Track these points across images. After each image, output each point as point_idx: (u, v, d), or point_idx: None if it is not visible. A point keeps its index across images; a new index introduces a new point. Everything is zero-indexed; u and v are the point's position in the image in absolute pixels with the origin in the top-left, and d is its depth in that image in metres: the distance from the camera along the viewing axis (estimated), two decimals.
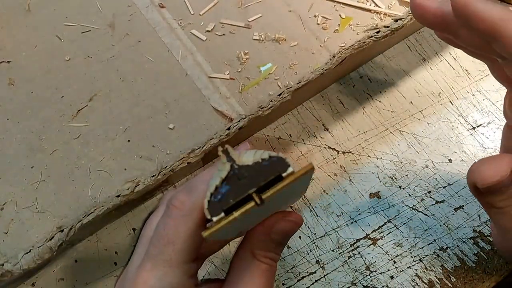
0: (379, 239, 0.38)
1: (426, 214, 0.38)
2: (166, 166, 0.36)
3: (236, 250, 0.28)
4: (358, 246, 0.37)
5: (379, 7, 0.44)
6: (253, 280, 0.26)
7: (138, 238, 0.32)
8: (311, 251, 0.37)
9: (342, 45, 0.43)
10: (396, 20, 0.39)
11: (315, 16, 0.44)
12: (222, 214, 0.20)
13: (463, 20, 0.22)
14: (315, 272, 0.37)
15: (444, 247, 0.37)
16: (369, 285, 0.36)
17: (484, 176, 0.21)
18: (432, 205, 0.39)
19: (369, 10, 0.44)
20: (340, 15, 0.44)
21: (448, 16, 0.24)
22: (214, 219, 0.20)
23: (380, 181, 0.39)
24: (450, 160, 0.40)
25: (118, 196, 0.34)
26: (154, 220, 0.32)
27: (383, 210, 0.38)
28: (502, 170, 0.21)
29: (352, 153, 0.40)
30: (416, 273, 0.37)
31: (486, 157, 0.22)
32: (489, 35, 0.22)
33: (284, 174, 0.20)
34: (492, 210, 0.23)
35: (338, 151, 0.40)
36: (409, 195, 0.39)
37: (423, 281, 0.36)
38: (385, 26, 0.39)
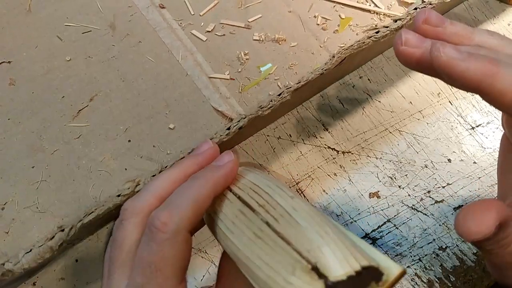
0: (378, 238, 0.38)
1: (425, 214, 0.38)
2: (167, 166, 0.36)
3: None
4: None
5: (378, 7, 0.44)
6: None
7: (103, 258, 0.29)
8: None
9: (342, 45, 0.43)
10: (395, 21, 0.39)
11: (315, 16, 0.44)
12: None
13: (447, 77, 0.21)
14: None
15: (444, 247, 0.37)
16: None
17: (469, 233, 0.20)
18: (432, 204, 0.39)
19: (368, 11, 0.44)
20: (339, 16, 0.44)
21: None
22: None
23: (380, 181, 0.39)
24: (449, 160, 0.40)
25: (118, 195, 0.34)
26: (122, 238, 0.27)
27: (382, 210, 0.39)
28: (487, 227, 0.20)
29: (352, 153, 0.40)
30: (416, 273, 0.37)
31: (472, 205, 0.21)
32: (475, 92, 0.21)
33: (380, 283, 0.19)
34: (482, 250, 0.22)
35: (337, 151, 0.41)
36: (409, 195, 0.39)
37: (422, 281, 0.36)
38: (384, 27, 0.39)
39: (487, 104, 0.43)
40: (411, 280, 0.36)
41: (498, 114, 0.42)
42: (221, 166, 0.27)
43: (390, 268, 0.20)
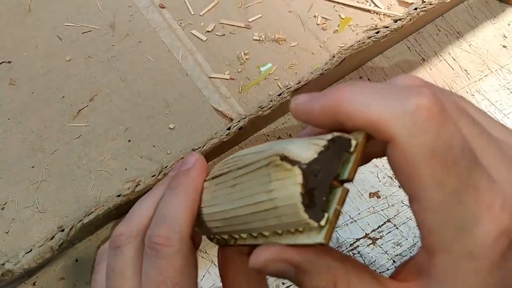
0: (378, 238, 0.38)
1: None
2: (167, 166, 0.36)
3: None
4: (358, 246, 0.37)
5: (378, 7, 0.44)
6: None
7: None
8: None
9: (342, 45, 0.43)
10: (395, 21, 0.39)
11: (315, 16, 0.44)
12: (326, 214, 0.18)
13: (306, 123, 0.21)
14: None
15: None
16: None
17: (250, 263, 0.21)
18: None
19: (368, 11, 0.44)
20: (339, 16, 0.44)
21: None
22: (323, 222, 0.18)
23: (380, 181, 0.39)
24: None
25: (118, 195, 0.34)
26: (124, 266, 0.25)
27: (382, 210, 0.39)
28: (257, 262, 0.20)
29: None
30: None
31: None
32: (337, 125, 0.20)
33: (351, 150, 0.19)
34: None
35: None
36: None
37: None
38: (384, 27, 0.39)
39: (487, 104, 0.43)
40: None
41: (498, 114, 0.42)
42: (191, 167, 0.26)
43: (354, 134, 0.19)
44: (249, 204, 0.21)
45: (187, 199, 0.25)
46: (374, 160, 0.40)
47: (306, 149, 0.19)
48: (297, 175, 0.18)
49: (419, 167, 0.17)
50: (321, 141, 0.19)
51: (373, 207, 0.39)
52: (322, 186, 0.18)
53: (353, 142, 0.19)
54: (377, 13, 0.44)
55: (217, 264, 0.36)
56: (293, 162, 0.18)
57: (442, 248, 0.18)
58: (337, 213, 0.19)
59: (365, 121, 0.18)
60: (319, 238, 0.18)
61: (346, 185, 0.19)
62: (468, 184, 0.17)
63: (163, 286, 0.23)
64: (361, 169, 0.40)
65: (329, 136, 0.19)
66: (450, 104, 0.19)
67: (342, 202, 0.19)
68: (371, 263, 0.37)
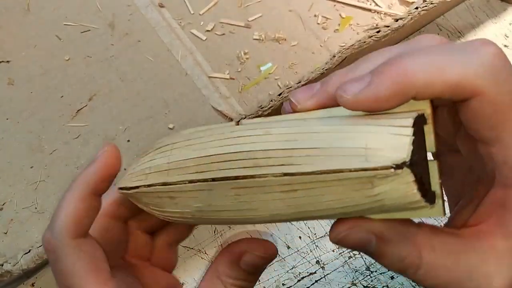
0: None
1: None
2: None
3: (204, 273, 0.26)
4: None
5: (379, 6, 0.44)
6: None
7: None
8: (311, 251, 0.37)
9: (342, 44, 0.43)
10: (396, 20, 0.39)
11: (315, 15, 0.44)
12: (437, 193, 0.19)
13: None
14: (315, 272, 0.37)
15: None
16: (369, 285, 0.36)
17: (332, 238, 0.21)
18: None
19: (369, 10, 0.44)
20: (340, 15, 0.44)
21: None
22: (438, 201, 0.19)
23: None
24: None
25: None
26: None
27: None
28: (340, 234, 0.21)
29: None
30: None
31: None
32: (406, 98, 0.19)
33: (428, 122, 0.19)
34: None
35: None
36: None
37: None
38: (385, 26, 0.39)
39: None
40: (412, 280, 0.36)
41: None
42: (92, 161, 0.24)
43: (417, 105, 0.19)
44: (337, 208, 0.20)
45: (74, 198, 0.23)
46: None
47: (396, 142, 0.18)
48: (408, 175, 0.18)
49: (504, 111, 0.18)
50: (405, 129, 0.18)
51: None
52: (422, 168, 0.19)
53: (427, 114, 0.19)
54: (378, 12, 0.44)
55: None
56: (399, 166, 0.18)
57: None
58: (441, 186, 0.19)
59: (444, 85, 0.17)
60: (437, 213, 0.19)
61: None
62: None
63: None
64: None
65: (409, 120, 0.18)
66: None
67: (440, 174, 0.19)
68: (372, 264, 0.37)
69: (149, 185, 0.23)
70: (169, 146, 0.24)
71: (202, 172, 0.22)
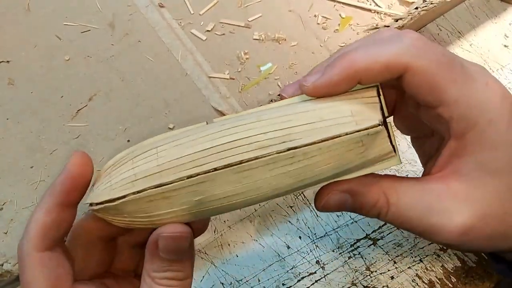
0: (379, 239, 0.38)
1: None
2: None
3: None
4: (359, 246, 0.37)
5: (379, 6, 0.44)
6: None
7: None
8: (311, 251, 0.37)
9: (342, 44, 0.43)
10: (396, 20, 0.39)
11: (315, 15, 0.44)
12: (395, 145, 0.25)
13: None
14: (315, 272, 0.37)
15: (445, 247, 0.37)
16: (369, 285, 0.36)
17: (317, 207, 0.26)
18: None
19: (369, 10, 0.44)
20: (340, 15, 0.44)
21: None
22: (398, 152, 0.25)
23: None
24: None
25: None
26: None
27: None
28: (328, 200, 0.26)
29: None
30: (417, 273, 0.36)
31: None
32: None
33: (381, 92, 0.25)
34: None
35: None
36: None
37: (423, 281, 0.36)
38: (385, 26, 0.39)
39: None
40: (412, 281, 0.36)
41: None
42: (62, 171, 0.25)
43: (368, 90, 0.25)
44: (332, 170, 0.24)
45: (39, 211, 0.24)
46: None
47: (370, 108, 0.23)
48: (384, 131, 0.23)
49: (436, 77, 0.22)
50: (374, 98, 0.24)
51: None
52: (386, 126, 0.24)
53: (379, 87, 0.24)
54: (377, 13, 0.44)
55: (216, 265, 0.36)
56: (380, 124, 0.23)
57: (470, 127, 0.23)
58: (395, 140, 0.24)
59: (379, 67, 0.23)
60: (397, 161, 0.25)
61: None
62: (468, 75, 0.23)
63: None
64: None
65: (375, 91, 0.24)
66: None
67: (393, 131, 0.24)
68: (372, 264, 0.37)
69: (139, 191, 0.23)
70: (153, 151, 0.24)
71: (201, 165, 0.23)
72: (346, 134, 0.23)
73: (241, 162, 0.22)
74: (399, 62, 0.23)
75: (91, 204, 0.24)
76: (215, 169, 0.23)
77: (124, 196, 0.23)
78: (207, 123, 0.25)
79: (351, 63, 0.23)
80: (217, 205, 0.24)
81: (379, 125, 0.23)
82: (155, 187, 0.23)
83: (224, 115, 0.40)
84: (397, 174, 0.39)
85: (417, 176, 0.26)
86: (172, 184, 0.23)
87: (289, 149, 0.22)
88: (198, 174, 0.23)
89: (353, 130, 0.23)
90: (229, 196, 0.23)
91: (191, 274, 0.25)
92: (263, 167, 0.23)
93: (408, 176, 0.39)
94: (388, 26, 0.38)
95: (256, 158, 0.22)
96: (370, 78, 0.23)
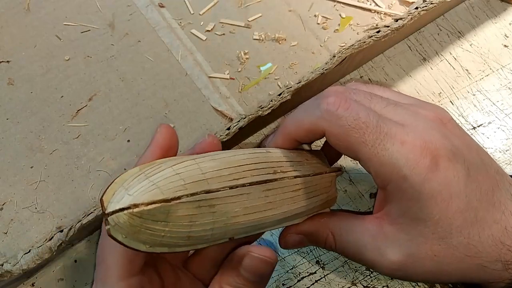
0: None
1: None
2: None
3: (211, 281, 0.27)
4: None
5: (379, 6, 0.44)
6: None
7: None
8: (311, 251, 0.37)
9: (342, 44, 0.43)
10: (396, 20, 0.39)
11: (315, 15, 0.44)
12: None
13: None
14: (315, 272, 0.37)
15: None
16: (369, 285, 0.36)
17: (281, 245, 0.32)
18: None
19: (369, 10, 0.44)
20: (340, 15, 0.44)
21: None
22: None
23: None
24: None
25: None
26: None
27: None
28: (288, 242, 0.31)
29: None
30: None
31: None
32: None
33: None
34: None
35: None
36: None
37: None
38: (385, 26, 0.39)
39: (488, 104, 0.42)
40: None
41: (499, 114, 0.42)
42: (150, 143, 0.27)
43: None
44: (318, 200, 0.30)
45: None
46: None
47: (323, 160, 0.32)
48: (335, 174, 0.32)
49: (348, 139, 0.26)
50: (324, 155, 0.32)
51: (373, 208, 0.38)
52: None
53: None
54: (377, 12, 0.44)
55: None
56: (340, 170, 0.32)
57: (387, 181, 0.26)
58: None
59: (306, 131, 0.28)
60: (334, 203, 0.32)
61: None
62: (383, 134, 0.25)
63: (97, 260, 0.27)
64: (362, 169, 0.39)
65: (320, 151, 0.33)
66: (360, 95, 0.28)
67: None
68: None
69: (192, 194, 0.22)
70: (191, 161, 0.24)
71: (238, 179, 0.25)
72: (326, 172, 0.30)
73: (265, 181, 0.26)
74: (316, 128, 0.27)
75: (131, 207, 0.21)
76: (250, 184, 0.25)
77: (179, 197, 0.22)
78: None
79: (285, 129, 0.29)
80: (245, 220, 0.25)
81: (342, 169, 0.32)
82: (205, 193, 0.23)
83: (224, 115, 0.40)
84: None
85: (362, 213, 0.32)
86: (219, 192, 0.23)
87: (295, 177, 0.28)
88: (237, 186, 0.24)
89: (330, 170, 0.31)
90: (257, 212, 0.25)
91: None
92: (281, 188, 0.27)
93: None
94: (388, 26, 0.38)
95: (275, 180, 0.27)
96: (301, 138, 0.28)
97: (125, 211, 0.21)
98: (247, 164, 0.26)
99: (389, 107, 0.27)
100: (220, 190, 0.23)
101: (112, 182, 0.23)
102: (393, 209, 0.27)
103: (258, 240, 0.37)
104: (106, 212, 0.21)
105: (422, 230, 0.26)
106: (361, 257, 0.28)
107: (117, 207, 0.21)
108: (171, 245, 0.23)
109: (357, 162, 0.27)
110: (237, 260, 0.26)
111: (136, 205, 0.21)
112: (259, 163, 0.26)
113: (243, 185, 0.25)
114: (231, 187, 0.24)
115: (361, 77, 0.43)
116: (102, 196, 0.22)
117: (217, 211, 0.23)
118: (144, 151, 0.27)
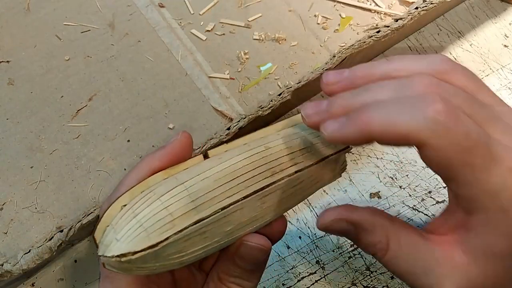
0: None
1: (426, 214, 0.38)
2: None
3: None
4: None
5: (379, 6, 0.44)
6: None
7: None
8: (311, 251, 0.37)
9: (342, 44, 0.43)
10: (396, 20, 0.39)
11: (315, 15, 0.44)
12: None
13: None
14: (315, 273, 0.37)
15: None
16: (369, 285, 0.36)
17: (318, 224, 0.26)
18: (433, 205, 0.38)
19: (369, 10, 0.44)
20: (340, 15, 0.44)
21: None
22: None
23: (381, 181, 0.39)
24: None
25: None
26: None
27: (383, 210, 0.38)
28: (327, 221, 0.25)
29: (353, 153, 0.40)
30: None
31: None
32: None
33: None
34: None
35: None
36: (410, 195, 0.39)
37: None
38: (385, 26, 0.39)
39: None
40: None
41: None
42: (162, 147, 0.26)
43: None
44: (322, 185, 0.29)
45: (127, 182, 0.25)
46: (375, 160, 0.40)
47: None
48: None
49: (452, 158, 0.21)
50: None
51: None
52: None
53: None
54: (378, 12, 0.44)
55: None
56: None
57: (479, 209, 0.22)
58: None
59: (395, 137, 0.22)
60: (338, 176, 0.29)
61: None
62: (491, 158, 0.22)
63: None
64: (362, 169, 0.40)
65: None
66: (460, 99, 0.23)
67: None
68: (372, 264, 0.37)
69: (180, 230, 0.22)
70: (180, 187, 0.23)
71: (232, 195, 0.24)
72: (331, 154, 0.27)
73: (262, 189, 0.24)
74: (416, 137, 0.21)
75: (120, 256, 0.21)
76: (244, 198, 0.24)
77: (166, 239, 0.22)
78: (204, 158, 0.26)
79: (367, 126, 0.22)
80: (242, 233, 0.25)
81: (350, 147, 0.28)
82: (194, 224, 0.22)
83: (224, 115, 0.40)
84: (397, 174, 0.40)
85: (422, 228, 0.26)
86: (209, 218, 0.23)
87: (295, 172, 0.25)
88: (230, 205, 0.23)
89: (336, 151, 0.27)
90: (252, 222, 0.25)
91: (256, 287, 0.27)
92: (279, 190, 0.25)
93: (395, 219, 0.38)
94: (388, 26, 0.38)
95: (273, 183, 0.25)
96: (385, 141, 0.23)
97: (114, 258, 0.21)
98: (242, 175, 0.24)
99: (492, 120, 0.23)
100: (211, 215, 0.23)
101: (101, 218, 0.23)
102: (474, 240, 0.23)
103: None
104: (98, 253, 0.22)
105: (497, 269, 0.23)
106: (414, 277, 0.24)
107: (106, 254, 0.21)
108: (165, 270, 0.24)
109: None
110: (232, 249, 0.26)
111: (123, 255, 0.21)
112: (255, 168, 0.25)
113: (236, 202, 0.23)
114: (223, 208, 0.23)
115: None
116: (94, 234, 0.23)
117: (209, 236, 0.23)
118: (156, 150, 0.26)
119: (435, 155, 0.22)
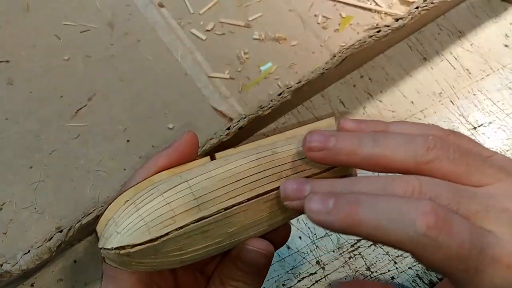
0: None
1: None
2: None
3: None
4: (359, 247, 0.37)
5: (380, 6, 0.44)
6: None
7: None
8: (311, 251, 0.37)
9: (343, 44, 0.43)
10: (397, 20, 0.39)
11: (315, 15, 0.44)
12: None
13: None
14: (315, 273, 0.36)
15: None
16: None
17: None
18: None
19: (369, 10, 0.44)
20: (340, 15, 0.44)
21: None
22: None
23: None
24: None
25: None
26: None
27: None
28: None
29: None
30: (417, 274, 0.36)
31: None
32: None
33: None
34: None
35: None
36: None
37: (424, 282, 0.36)
38: (385, 26, 0.38)
39: (489, 104, 0.42)
40: (413, 281, 0.36)
41: (500, 114, 0.42)
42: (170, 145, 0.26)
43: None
44: None
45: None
46: None
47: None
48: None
49: (445, 267, 0.21)
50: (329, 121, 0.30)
51: None
52: None
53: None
54: (378, 12, 0.44)
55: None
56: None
57: None
58: None
59: (386, 242, 0.21)
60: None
61: None
62: (486, 261, 0.21)
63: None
64: (361, 171, 0.39)
65: (332, 118, 0.30)
66: (449, 194, 0.22)
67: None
68: (372, 264, 0.37)
69: (181, 227, 0.22)
70: (184, 184, 0.23)
71: (235, 196, 0.23)
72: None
73: (267, 192, 0.24)
74: (408, 249, 0.21)
75: (119, 248, 0.21)
76: (248, 200, 0.23)
77: (167, 234, 0.22)
78: (210, 159, 0.26)
79: (355, 222, 0.21)
80: (245, 236, 0.25)
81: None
82: (196, 222, 0.22)
83: (224, 115, 0.40)
84: None
85: None
86: (211, 217, 0.23)
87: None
88: (233, 206, 0.23)
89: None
90: (256, 225, 0.25)
91: None
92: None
93: None
94: (388, 26, 0.38)
95: (279, 187, 0.24)
96: (370, 240, 0.23)
97: (113, 251, 0.21)
98: (247, 176, 0.24)
99: (484, 210, 0.22)
100: (213, 215, 0.23)
101: (106, 208, 0.23)
102: None
103: None
104: (98, 245, 0.22)
105: None
106: None
107: (106, 246, 0.22)
108: (165, 268, 0.24)
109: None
110: (235, 253, 0.26)
111: (122, 247, 0.21)
112: (261, 171, 0.24)
113: (240, 203, 0.23)
114: (226, 208, 0.23)
115: (361, 77, 0.43)
116: (96, 227, 0.23)
117: (210, 236, 0.23)
118: (162, 149, 0.26)
119: (429, 265, 0.22)
